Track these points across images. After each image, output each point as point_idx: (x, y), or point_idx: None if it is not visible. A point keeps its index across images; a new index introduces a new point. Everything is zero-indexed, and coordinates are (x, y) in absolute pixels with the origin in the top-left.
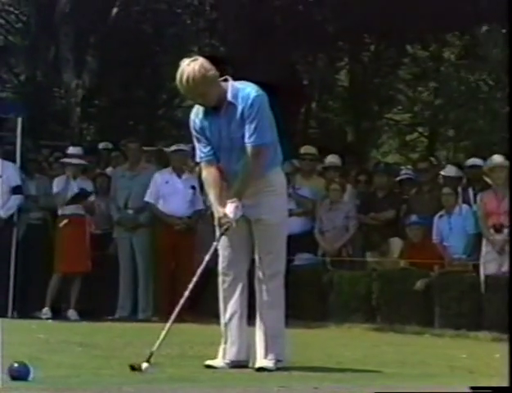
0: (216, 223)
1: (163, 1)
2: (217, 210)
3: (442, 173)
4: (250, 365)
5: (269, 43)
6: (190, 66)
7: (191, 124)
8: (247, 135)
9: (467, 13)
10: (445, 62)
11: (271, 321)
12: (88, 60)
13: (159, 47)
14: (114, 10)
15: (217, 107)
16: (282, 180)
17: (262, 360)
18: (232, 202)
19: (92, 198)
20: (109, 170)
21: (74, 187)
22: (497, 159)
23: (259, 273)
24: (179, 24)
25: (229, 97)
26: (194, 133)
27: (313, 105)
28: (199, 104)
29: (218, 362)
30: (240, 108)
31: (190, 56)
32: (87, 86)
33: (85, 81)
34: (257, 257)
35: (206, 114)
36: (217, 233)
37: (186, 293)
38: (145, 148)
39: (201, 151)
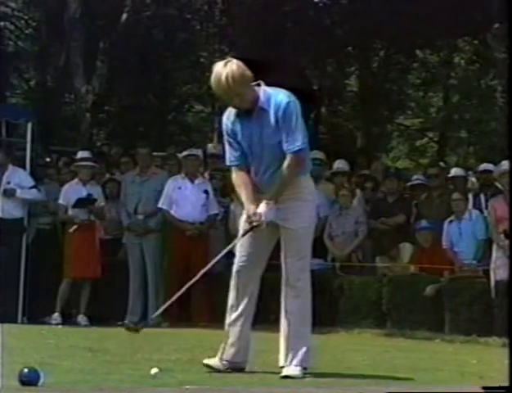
0: (244, 220)
1: (173, 6)
2: (249, 208)
3: (450, 174)
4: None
5: (279, 48)
6: (228, 66)
7: (223, 126)
8: (285, 142)
9: (477, 18)
10: (455, 67)
11: (297, 326)
12: (98, 66)
13: (168, 53)
14: (124, 15)
15: (250, 111)
16: (310, 187)
17: (288, 368)
18: (267, 203)
19: (101, 203)
20: (118, 175)
21: (83, 193)
22: (507, 164)
23: (286, 277)
24: (189, 29)
25: (261, 101)
26: (225, 136)
27: (323, 110)
28: (235, 106)
29: (215, 361)
30: (272, 114)
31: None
32: (97, 91)
33: (95, 86)
34: (283, 261)
35: (238, 117)
36: (241, 230)
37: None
38: (154, 153)
39: (232, 154)
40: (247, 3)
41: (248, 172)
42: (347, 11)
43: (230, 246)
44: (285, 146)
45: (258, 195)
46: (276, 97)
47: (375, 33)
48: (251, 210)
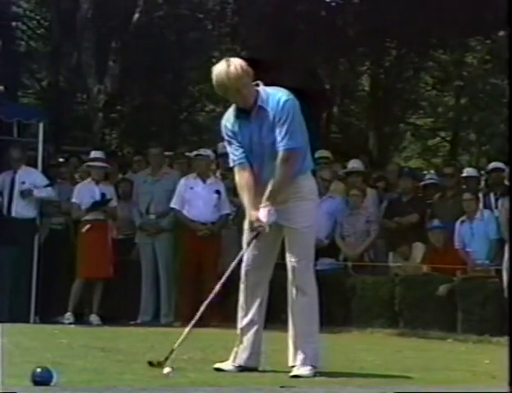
0: (247, 227)
1: (185, 6)
2: (250, 214)
3: (463, 174)
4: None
5: (291, 48)
6: (228, 63)
7: (223, 129)
8: (278, 139)
9: (490, 18)
10: (468, 67)
11: (304, 326)
12: (110, 66)
13: (180, 52)
14: (136, 15)
15: (248, 111)
16: (311, 185)
17: (297, 368)
18: (265, 207)
19: (114, 203)
20: (129, 175)
21: (96, 193)
22: None
23: (291, 277)
24: (201, 29)
25: (260, 101)
26: (225, 137)
27: (335, 109)
28: (235, 102)
29: (227, 365)
30: (270, 113)
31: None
32: (109, 91)
33: (107, 86)
34: (288, 261)
35: (237, 118)
36: (247, 237)
37: (210, 298)
38: (166, 153)
39: (233, 154)
40: (259, 3)
41: (251, 172)
42: (359, 10)
43: (241, 253)
44: (277, 143)
45: (260, 197)
46: (275, 95)
47: (387, 32)
48: (253, 216)
